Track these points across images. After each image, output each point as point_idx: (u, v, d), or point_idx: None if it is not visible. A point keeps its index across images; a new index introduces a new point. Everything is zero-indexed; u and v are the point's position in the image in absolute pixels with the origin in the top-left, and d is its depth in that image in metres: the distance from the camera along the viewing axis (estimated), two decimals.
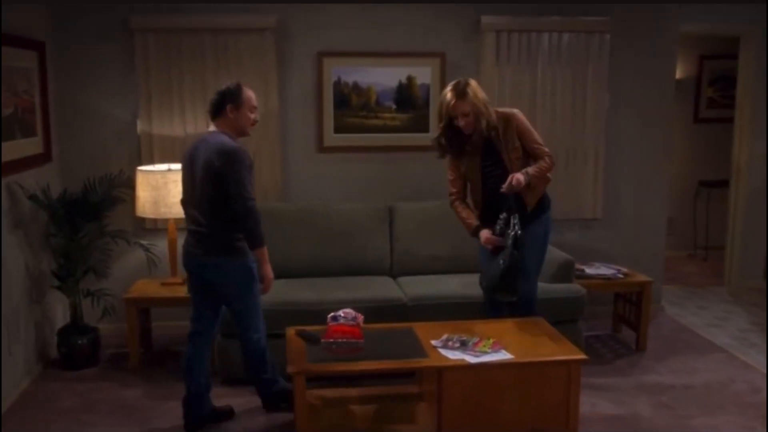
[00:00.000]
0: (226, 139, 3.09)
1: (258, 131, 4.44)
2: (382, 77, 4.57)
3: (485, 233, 3.45)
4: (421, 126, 4.66)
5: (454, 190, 3.56)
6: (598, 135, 4.79)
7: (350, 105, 4.59)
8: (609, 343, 4.57)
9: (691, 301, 5.40)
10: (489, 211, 3.45)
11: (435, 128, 3.51)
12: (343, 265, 4.22)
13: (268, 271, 3.14)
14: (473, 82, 3.35)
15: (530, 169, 3.37)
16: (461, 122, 3.33)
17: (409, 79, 4.60)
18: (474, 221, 3.50)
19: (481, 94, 3.34)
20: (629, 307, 4.56)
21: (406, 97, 4.62)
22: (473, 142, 3.39)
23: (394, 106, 4.61)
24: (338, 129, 4.60)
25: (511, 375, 3.03)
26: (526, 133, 3.40)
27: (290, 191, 4.63)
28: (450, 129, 3.37)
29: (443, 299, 3.90)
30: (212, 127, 3.18)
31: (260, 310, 3.29)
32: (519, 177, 3.29)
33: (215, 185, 3.04)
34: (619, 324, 4.72)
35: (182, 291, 4.05)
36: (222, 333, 3.79)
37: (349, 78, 4.54)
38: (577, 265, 4.37)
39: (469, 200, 3.58)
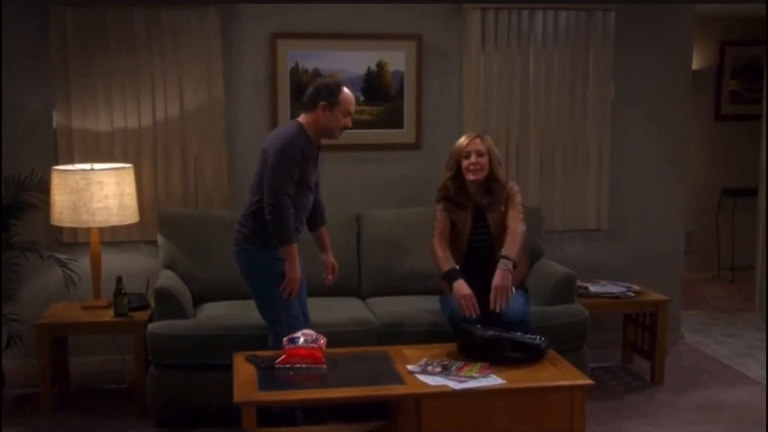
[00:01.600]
0: (291, 131, 3.47)
1: (199, 126, 4.54)
2: (348, 63, 4.68)
3: (463, 287, 3.65)
4: (394, 121, 4.77)
5: (441, 227, 3.88)
6: (602, 132, 4.94)
7: None
8: (619, 375, 4.67)
9: (716, 329, 5.55)
10: (465, 270, 3.79)
11: (444, 176, 3.93)
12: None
13: (291, 270, 3.46)
14: None
15: (509, 253, 3.70)
16: (473, 160, 3.79)
17: (380, 65, 4.72)
18: (451, 263, 3.76)
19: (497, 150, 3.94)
20: (642, 333, 4.67)
21: (377, 86, 4.74)
22: (472, 197, 3.85)
23: (362, 98, 4.71)
24: None
25: (502, 403, 3.09)
26: (515, 198, 3.87)
27: (238, 197, 4.63)
28: (455, 180, 3.85)
29: (422, 326, 3.95)
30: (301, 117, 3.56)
31: (280, 311, 3.51)
32: (503, 284, 3.64)
33: (260, 174, 3.49)
34: (631, 353, 4.82)
35: (107, 315, 4.08)
36: (156, 363, 3.84)
37: (309, 64, 4.65)
38: (579, 282, 4.45)
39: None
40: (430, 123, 4.85)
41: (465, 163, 3.83)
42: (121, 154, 4.47)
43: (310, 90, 3.55)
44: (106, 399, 4.26)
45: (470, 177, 3.84)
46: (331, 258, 3.86)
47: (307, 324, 3.64)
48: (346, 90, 3.54)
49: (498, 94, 4.82)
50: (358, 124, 4.69)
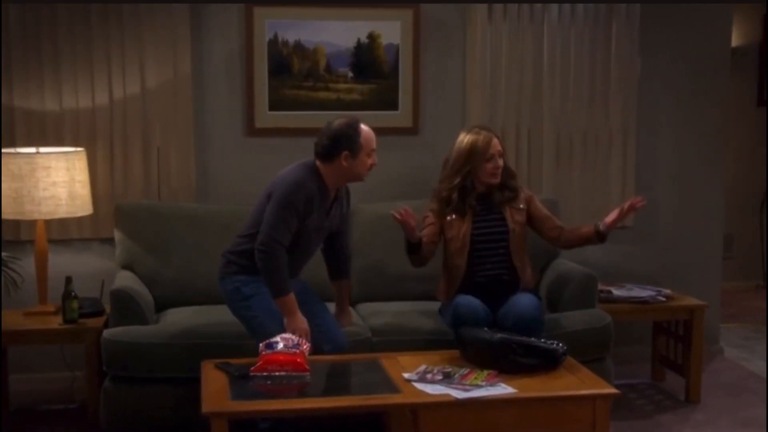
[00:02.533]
0: (300, 175, 3.63)
1: (163, 106, 4.53)
2: (335, 34, 4.67)
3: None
4: (388, 101, 4.76)
5: (428, 232, 3.97)
6: (627, 116, 4.93)
7: (291, 72, 4.66)
8: (648, 393, 4.65)
9: (760, 344, 5.53)
10: (470, 276, 3.92)
11: (446, 180, 3.97)
12: None
13: (291, 323, 3.53)
14: None
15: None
16: (499, 164, 3.91)
17: (372, 37, 4.71)
18: (418, 236, 3.88)
19: None
20: (675, 345, 4.65)
21: (368, 61, 4.73)
22: (470, 202, 3.94)
23: (350, 74, 4.70)
24: (275, 105, 4.67)
25: (513, 416, 3.08)
26: (535, 200, 4.09)
27: (209, 189, 4.65)
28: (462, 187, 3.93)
29: (421, 334, 3.96)
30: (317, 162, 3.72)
31: (260, 333, 3.57)
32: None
33: (259, 211, 3.69)
34: (661, 368, 4.80)
35: (55, 322, 4.04)
36: (112, 376, 3.81)
37: (290, 35, 4.64)
38: (601, 286, 4.44)
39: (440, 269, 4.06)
40: (429, 104, 4.83)
41: (488, 167, 3.91)
42: (72, 138, 4.44)
43: (325, 141, 3.67)
44: (52, 421, 4.21)
45: (493, 181, 3.95)
46: (346, 317, 3.96)
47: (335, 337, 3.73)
48: (364, 128, 3.68)
49: (507, 72, 4.80)
50: (346, 105, 4.73)
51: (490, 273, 3.91)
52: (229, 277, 3.73)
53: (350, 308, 4.10)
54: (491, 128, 4.10)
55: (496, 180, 3.94)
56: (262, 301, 3.64)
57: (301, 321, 3.55)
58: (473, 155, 3.91)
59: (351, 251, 4.04)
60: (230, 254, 3.75)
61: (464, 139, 3.95)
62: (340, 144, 3.63)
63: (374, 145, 3.70)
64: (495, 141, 3.93)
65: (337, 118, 3.75)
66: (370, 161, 3.69)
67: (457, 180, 3.93)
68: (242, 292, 3.70)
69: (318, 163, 3.69)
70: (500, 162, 3.93)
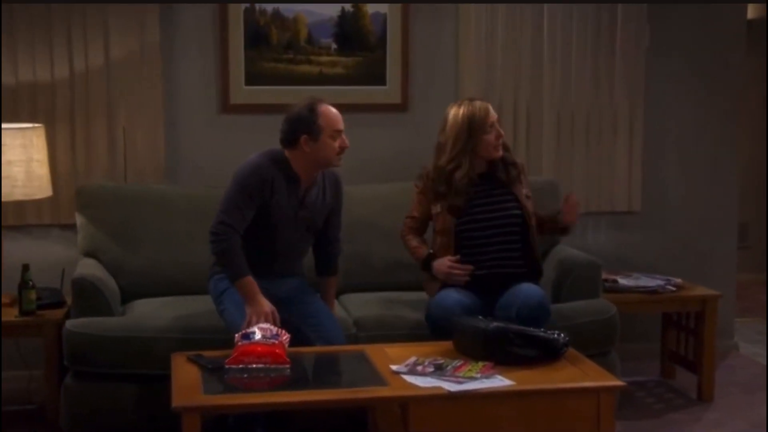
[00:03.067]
0: (259, 159, 3.70)
1: (129, 79, 4.50)
2: (317, 3, 4.65)
3: (445, 263, 3.86)
4: (375, 76, 4.76)
5: (416, 214, 4.06)
6: (634, 92, 4.92)
7: (269, 43, 4.65)
8: (657, 391, 4.65)
9: None
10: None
11: (448, 162, 3.91)
12: None
13: (252, 306, 3.56)
14: None
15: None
16: (501, 134, 3.90)
17: (357, 5, 4.69)
18: (426, 249, 3.97)
19: None
20: (686, 339, 4.65)
21: (352, 32, 4.71)
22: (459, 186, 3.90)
23: (334, 46, 4.70)
24: (251, 79, 4.65)
25: (510, 410, 3.05)
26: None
27: (180, 170, 4.63)
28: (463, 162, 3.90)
29: (410, 329, 3.93)
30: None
31: (229, 325, 3.64)
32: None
33: None
34: (671, 365, 4.81)
35: (10, 315, 4.01)
36: (74, 372, 3.78)
37: (268, 3, 4.62)
38: (606, 275, 4.43)
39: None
40: (419, 79, 4.83)
41: (489, 139, 3.87)
42: (29, 113, 4.41)
43: (284, 125, 3.71)
44: (7, 424, 4.16)
45: (495, 155, 3.91)
46: None
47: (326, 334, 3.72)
48: (324, 108, 3.69)
49: (504, 44, 4.80)
50: (329, 80, 4.73)
51: (492, 264, 3.87)
52: (212, 276, 3.81)
53: (335, 303, 4.10)
54: (482, 97, 4.06)
55: (499, 153, 3.91)
56: (232, 293, 3.66)
57: (264, 305, 3.56)
58: (473, 129, 3.86)
59: (341, 249, 4.03)
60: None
61: (458, 112, 3.89)
62: (298, 128, 3.66)
63: (339, 125, 3.69)
64: (491, 109, 3.91)
65: (302, 99, 3.75)
66: (336, 144, 3.68)
67: (460, 160, 3.86)
68: (218, 287, 3.74)
69: (287, 151, 3.73)
70: (501, 131, 3.90)
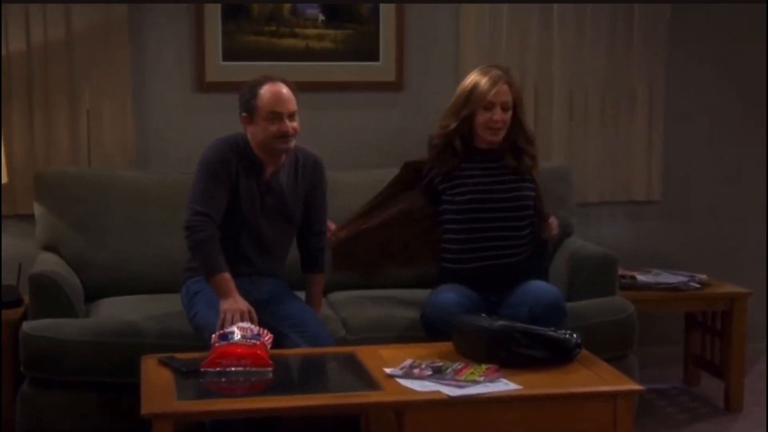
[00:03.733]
0: (221, 139, 3.77)
1: (94, 54, 4.50)
2: None
3: None
4: (367, 50, 4.76)
5: None
6: (653, 68, 4.93)
7: (250, 14, 4.65)
8: (680, 399, 4.65)
9: None
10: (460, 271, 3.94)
11: (443, 120, 3.95)
12: None
13: (226, 303, 3.56)
14: None
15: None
16: (498, 117, 3.85)
17: None
18: None
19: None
20: (711, 341, 4.65)
21: (342, 1, 4.70)
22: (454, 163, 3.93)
23: (321, 17, 4.70)
24: (230, 54, 4.65)
25: (517, 416, 3.04)
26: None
27: (151, 153, 4.64)
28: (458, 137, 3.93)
29: (406, 330, 3.93)
30: None
31: (201, 328, 3.67)
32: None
33: None
34: (696, 371, 4.81)
35: None
36: (31, 379, 3.77)
37: None
38: (623, 270, 4.43)
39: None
40: (415, 54, 4.84)
41: (484, 116, 3.85)
42: None
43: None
44: None
45: (489, 138, 3.88)
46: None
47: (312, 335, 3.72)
48: (266, 88, 3.69)
49: (510, 15, 4.80)
50: (316, 55, 4.75)
51: (487, 255, 3.87)
52: (184, 283, 3.83)
53: (323, 301, 4.11)
54: (508, 68, 4.00)
55: (494, 138, 3.89)
56: (206, 294, 3.67)
57: (239, 301, 3.56)
58: (471, 98, 3.86)
59: (325, 243, 4.03)
60: (187, 262, 3.84)
61: (470, 77, 3.92)
62: (240, 105, 3.75)
63: (278, 108, 3.66)
64: (503, 88, 3.85)
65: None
66: (273, 128, 3.67)
67: (453, 126, 3.88)
68: (190, 290, 3.76)
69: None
70: (500, 116, 3.85)
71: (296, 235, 3.94)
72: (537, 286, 3.75)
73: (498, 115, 3.84)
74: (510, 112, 3.89)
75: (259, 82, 3.72)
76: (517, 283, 3.81)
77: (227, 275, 3.59)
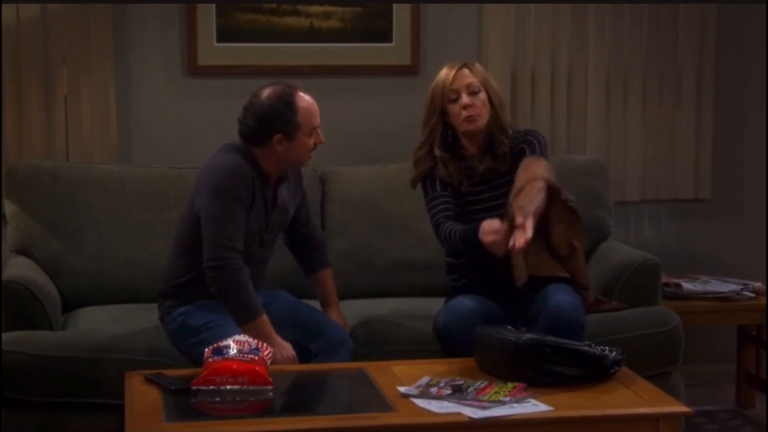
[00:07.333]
0: (231, 158, 3.70)
1: (72, 36, 4.54)
2: None
3: (490, 227, 3.69)
4: (379, 31, 4.79)
5: (445, 206, 3.96)
6: (703, 49, 4.94)
7: None
8: (732, 423, 4.66)
9: None
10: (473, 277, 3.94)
11: (421, 133, 3.97)
12: None
13: (276, 345, 3.55)
14: None
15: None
16: (466, 101, 3.84)
17: None
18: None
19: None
20: (767, 359, 4.65)
21: None
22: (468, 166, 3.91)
23: None
24: (225, 35, 4.68)
25: None
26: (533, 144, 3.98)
27: (135, 145, 4.68)
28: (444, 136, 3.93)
29: (421, 344, 3.92)
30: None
31: None
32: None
33: (185, 225, 3.79)
34: (749, 391, 4.80)
35: None
36: (5, 400, 3.73)
37: None
38: (667, 277, 4.44)
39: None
40: (433, 34, 4.87)
41: (453, 108, 3.88)
42: None
43: (251, 121, 3.69)
44: None
45: (465, 127, 3.88)
46: (337, 317, 4.00)
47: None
48: (303, 100, 3.68)
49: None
50: (322, 35, 4.78)
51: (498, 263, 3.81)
52: (169, 315, 3.78)
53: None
54: (472, 61, 4.00)
55: (472, 126, 3.85)
56: (218, 328, 3.62)
57: (284, 347, 3.58)
58: (435, 96, 3.89)
59: (323, 236, 4.08)
60: (164, 292, 3.80)
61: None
62: (270, 125, 3.66)
63: (317, 121, 3.71)
64: (462, 71, 3.87)
65: (267, 86, 3.71)
66: (312, 141, 3.71)
67: (426, 134, 3.92)
68: (190, 326, 3.72)
69: (251, 146, 3.76)
70: (470, 100, 3.83)
71: (290, 244, 3.99)
72: (555, 295, 3.69)
73: (465, 99, 3.84)
74: (481, 96, 3.87)
75: (291, 97, 3.67)
76: (533, 289, 3.79)
77: (265, 317, 3.60)
